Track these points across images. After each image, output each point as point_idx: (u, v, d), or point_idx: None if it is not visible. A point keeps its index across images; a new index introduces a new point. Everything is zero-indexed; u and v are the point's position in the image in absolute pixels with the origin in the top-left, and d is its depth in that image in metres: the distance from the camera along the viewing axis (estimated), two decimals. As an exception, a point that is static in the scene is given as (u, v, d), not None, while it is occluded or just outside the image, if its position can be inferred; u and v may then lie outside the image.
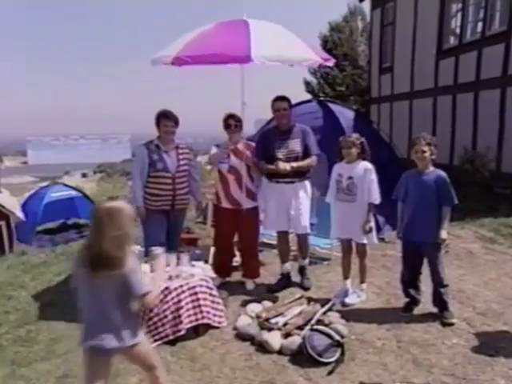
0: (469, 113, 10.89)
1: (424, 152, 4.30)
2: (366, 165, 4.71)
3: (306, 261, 5.37)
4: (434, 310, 4.49)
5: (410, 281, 4.62)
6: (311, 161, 4.99)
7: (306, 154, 4.98)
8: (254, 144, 5.25)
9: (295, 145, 4.98)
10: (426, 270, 4.53)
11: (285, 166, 4.85)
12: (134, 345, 2.74)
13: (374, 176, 4.67)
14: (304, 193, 5.05)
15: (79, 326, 2.76)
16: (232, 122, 5.10)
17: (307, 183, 5.09)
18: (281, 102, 5.04)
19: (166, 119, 4.92)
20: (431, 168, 4.39)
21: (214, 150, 5.23)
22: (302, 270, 5.35)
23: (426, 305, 4.62)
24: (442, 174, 4.34)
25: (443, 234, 4.26)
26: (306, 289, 5.15)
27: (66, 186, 9.85)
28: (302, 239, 5.24)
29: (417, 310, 4.58)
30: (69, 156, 42.12)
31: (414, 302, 4.64)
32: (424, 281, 4.60)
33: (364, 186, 4.67)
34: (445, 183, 4.29)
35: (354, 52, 22.27)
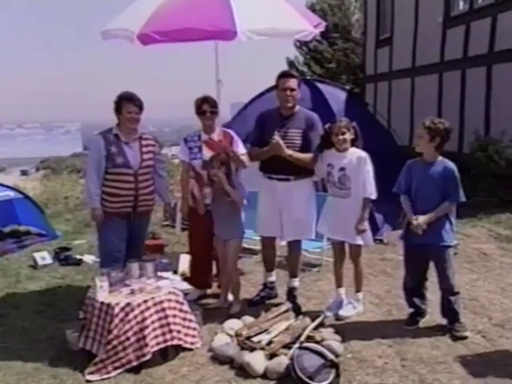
0: (481, 91, 11.04)
1: (420, 137, 4.40)
2: (359, 153, 4.75)
3: (297, 282, 5.26)
4: (443, 321, 4.56)
5: (413, 288, 4.68)
6: (311, 158, 4.88)
7: (306, 149, 4.89)
8: (231, 132, 5.25)
9: (295, 136, 4.90)
10: (432, 276, 4.60)
11: (281, 145, 4.73)
12: None
13: (369, 166, 4.71)
14: (301, 193, 4.98)
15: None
16: (207, 108, 5.06)
17: (307, 182, 5.03)
18: (289, 79, 4.94)
19: (129, 104, 4.84)
20: (439, 158, 4.45)
21: (182, 146, 5.23)
22: (290, 294, 5.20)
23: (433, 316, 4.67)
24: (451, 165, 4.41)
25: (419, 220, 4.29)
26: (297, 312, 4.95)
27: (2, 185, 9.63)
28: (294, 251, 5.21)
29: (423, 322, 4.64)
30: (3, 149, 41.22)
31: (419, 312, 4.69)
32: (431, 288, 4.68)
33: (358, 179, 4.70)
34: (453, 176, 4.37)
35: (347, 22, 22.39)
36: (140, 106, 4.91)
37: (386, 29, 15.32)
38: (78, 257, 6.82)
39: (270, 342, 4.18)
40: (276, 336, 4.26)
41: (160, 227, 7.90)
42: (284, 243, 5.43)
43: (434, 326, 4.57)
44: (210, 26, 4.80)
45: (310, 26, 5.32)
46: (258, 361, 3.96)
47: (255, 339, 4.23)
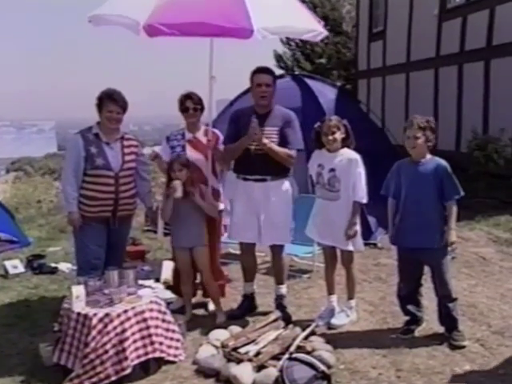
0: (479, 87, 11.15)
1: (417, 138, 4.37)
2: (350, 154, 4.79)
3: (284, 289, 5.25)
4: (441, 329, 4.59)
5: (408, 295, 4.71)
6: (287, 154, 4.89)
7: (283, 147, 4.91)
8: (217, 131, 5.27)
9: (271, 134, 4.91)
10: (428, 282, 4.65)
11: (259, 133, 4.74)
12: None
13: (361, 168, 4.75)
14: (279, 195, 4.99)
15: None
16: (190, 105, 5.11)
17: (285, 183, 5.04)
18: (264, 75, 4.98)
19: (111, 103, 4.82)
20: (428, 156, 4.49)
21: (163, 144, 5.27)
22: (278, 302, 5.18)
23: (430, 324, 4.71)
24: (443, 162, 4.44)
25: (452, 236, 4.35)
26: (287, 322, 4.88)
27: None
28: (277, 256, 5.20)
29: (419, 331, 4.66)
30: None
31: (414, 320, 4.71)
32: (427, 294, 4.72)
33: (348, 181, 4.74)
34: (446, 173, 4.40)
35: (337, 14, 22.50)
36: (123, 106, 4.89)
37: (379, 21, 15.44)
38: (53, 265, 6.73)
39: (257, 353, 4.16)
40: (264, 347, 4.25)
41: (142, 232, 7.89)
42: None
43: (431, 335, 4.60)
44: (227, 23, 4.68)
45: (319, 26, 5.33)
46: (245, 373, 3.95)
47: (242, 350, 4.21)
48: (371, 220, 7.19)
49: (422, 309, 4.73)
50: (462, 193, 4.41)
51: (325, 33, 5.33)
